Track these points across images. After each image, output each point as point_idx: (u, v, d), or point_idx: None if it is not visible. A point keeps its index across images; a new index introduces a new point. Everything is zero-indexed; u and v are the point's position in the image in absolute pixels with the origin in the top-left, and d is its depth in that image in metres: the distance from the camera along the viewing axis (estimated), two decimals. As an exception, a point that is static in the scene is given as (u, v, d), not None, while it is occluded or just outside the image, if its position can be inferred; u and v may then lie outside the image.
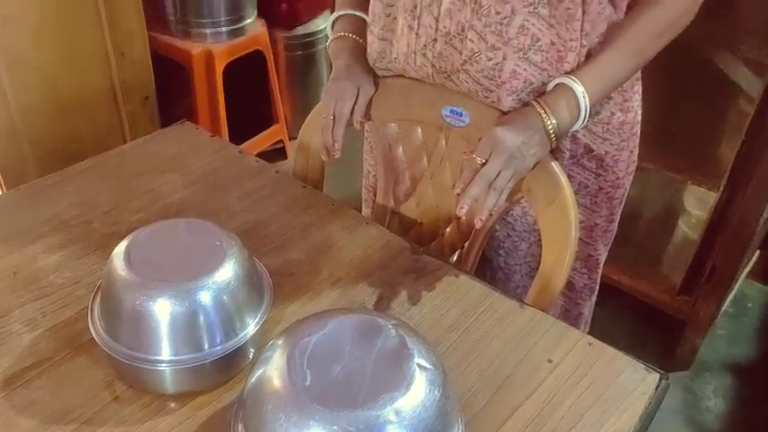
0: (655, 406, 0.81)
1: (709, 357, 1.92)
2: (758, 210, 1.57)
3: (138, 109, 2.10)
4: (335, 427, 0.59)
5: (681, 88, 1.60)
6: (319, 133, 1.01)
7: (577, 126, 0.91)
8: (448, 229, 1.10)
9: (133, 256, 0.78)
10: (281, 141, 2.61)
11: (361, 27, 1.07)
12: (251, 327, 0.80)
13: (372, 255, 1.00)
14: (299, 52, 2.58)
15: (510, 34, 0.89)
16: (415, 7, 0.93)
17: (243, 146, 2.47)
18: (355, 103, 1.01)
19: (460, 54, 0.92)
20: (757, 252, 2.03)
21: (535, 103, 0.90)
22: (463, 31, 0.91)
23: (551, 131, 0.89)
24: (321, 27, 2.56)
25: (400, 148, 1.11)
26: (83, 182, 1.11)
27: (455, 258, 1.10)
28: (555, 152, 0.96)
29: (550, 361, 0.84)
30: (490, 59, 0.91)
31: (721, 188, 1.61)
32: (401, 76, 1.03)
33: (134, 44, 2.03)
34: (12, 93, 1.85)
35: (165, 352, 0.76)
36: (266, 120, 2.57)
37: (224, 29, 2.26)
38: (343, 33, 1.07)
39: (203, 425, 0.75)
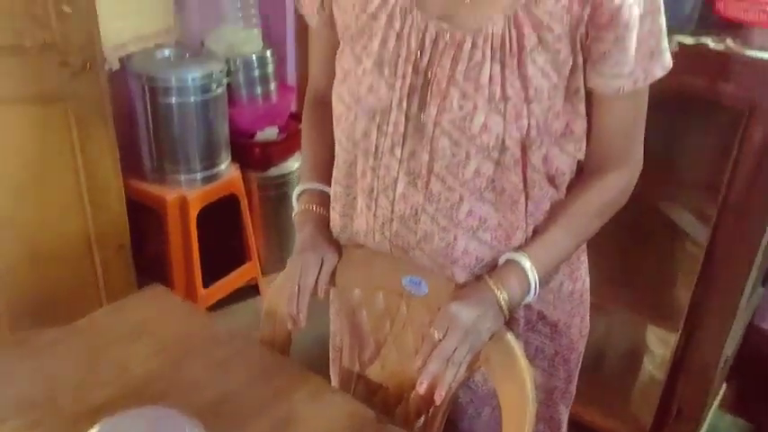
0: None
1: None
2: (717, 350, 1.62)
3: (112, 257, 2.13)
4: None
5: (635, 235, 1.69)
6: (285, 303, 1.05)
7: (529, 299, 0.97)
8: (413, 393, 1.12)
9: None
10: (254, 279, 2.65)
11: (325, 200, 1.13)
12: None
13: (336, 428, 1.01)
14: (273, 192, 2.66)
15: (459, 217, 0.96)
16: (372, 190, 1.00)
17: (216, 284, 2.53)
18: (319, 273, 1.06)
19: (415, 234, 0.99)
20: (724, 385, 2.06)
21: (488, 278, 0.96)
22: (416, 214, 0.97)
23: (504, 305, 0.94)
24: (294, 168, 2.66)
25: (364, 313, 1.15)
26: (50, 353, 1.12)
27: (421, 422, 1.11)
28: (510, 320, 1.00)
29: None
30: (442, 239, 0.97)
31: (680, 329, 1.65)
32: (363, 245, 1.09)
33: (110, 194, 2.08)
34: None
35: None
36: (239, 257, 2.61)
37: (199, 174, 2.33)
38: (307, 206, 1.12)
39: None
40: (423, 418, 1.12)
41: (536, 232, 0.99)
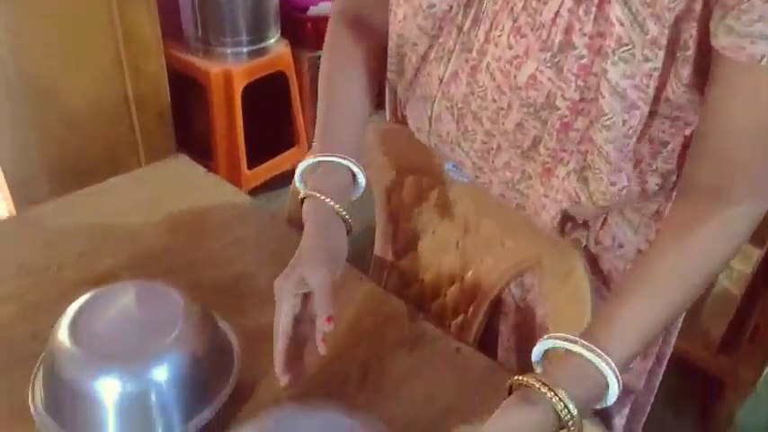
0: None
1: (749, 422, 1.75)
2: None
3: (152, 124, 2.05)
4: None
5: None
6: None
7: (607, 401, 0.62)
8: (451, 289, 0.99)
9: (79, 326, 0.69)
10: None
11: (340, 180, 0.77)
12: (213, 405, 0.71)
13: (364, 318, 0.89)
14: (324, 72, 2.49)
15: (496, 165, 0.80)
16: (415, 91, 0.83)
17: (261, 167, 2.43)
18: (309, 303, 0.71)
19: (450, 157, 0.84)
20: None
21: (533, 381, 0.59)
22: (451, 142, 0.82)
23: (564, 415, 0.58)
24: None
25: (401, 200, 1.00)
26: (58, 220, 1.03)
27: (459, 321, 0.98)
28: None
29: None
30: (477, 177, 0.82)
31: (766, 244, 1.46)
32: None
33: (150, 59, 1.98)
34: (24, 107, 1.81)
35: (112, 436, 0.67)
36: (286, 141, 2.49)
37: (245, 48, 2.19)
38: (315, 194, 0.75)
39: None
40: (461, 317, 0.99)
41: (612, 304, 0.65)
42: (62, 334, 0.68)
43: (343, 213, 0.74)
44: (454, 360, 0.84)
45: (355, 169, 0.77)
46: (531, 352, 0.88)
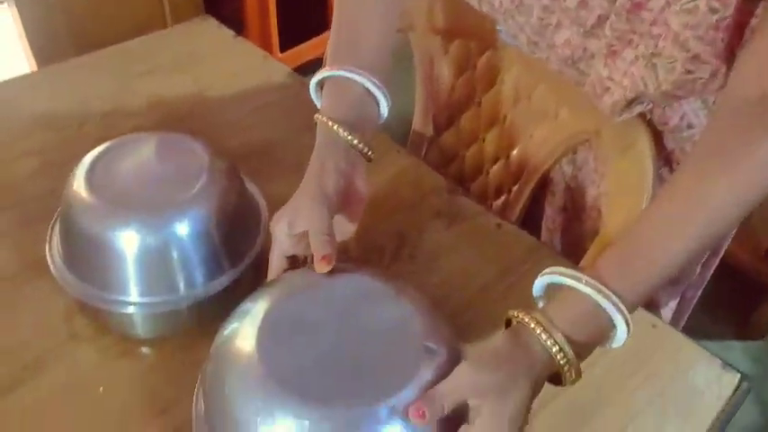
0: (729, 414, 0.64)
1: (789, 330, 1.71)
2: None
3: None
4: (307, 422, 0.45)
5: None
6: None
7: (616, 342, 0.53)
8: (494, 167, 0.92)
9: (98, 175, 0.64)
10: (335, 50, 2.43)
11: (355, 101, 0.64)
12: (239, 267, 0.67)
13: (400, 190, 0.84)
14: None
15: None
16: None
17: (293, 50, 2.32)
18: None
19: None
20: None
21: (526, 318, 0.51)
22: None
23: (557, 357, 0.50)
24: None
25: (444, 66, 0.92)
26: (81, 78, 0.97)
27: (500, 203, 0.92)
28: None
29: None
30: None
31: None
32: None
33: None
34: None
35: (133, 292, 0.63)
36: (320, 25, 2.38)
37: None
38: (323, 119, 0.63)
39: (171, 376, 0.63)
40: (503, 198, 0.93)
41: (633, 233, 0.53)
42: (78, 183, 0.63)
43: (356, 143, 0.62)
44: (494, 237, 0.79)
45: (374, 90, 0.64)
46: (577, 235, 0.82)
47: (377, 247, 0.76)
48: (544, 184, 0.88)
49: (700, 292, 0.94)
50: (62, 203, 0.65)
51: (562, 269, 0.52)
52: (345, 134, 0.62)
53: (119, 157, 0.66)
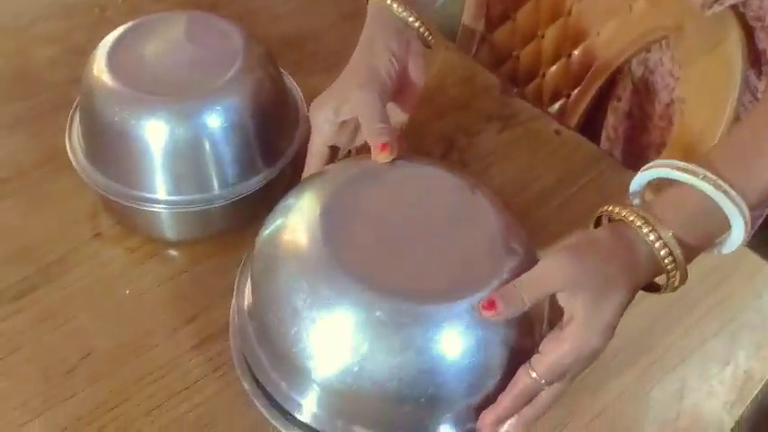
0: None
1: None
2: None
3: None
4: (378, 313, 0.40)
5: None
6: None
7: (732, 245, 0.46)
8: (552, 69, 0.84)
9: (121, 58, 0.58)
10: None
11: None
12: (277, 165, 0.61)
13: (449, 89, 0.76)
14: None
15: None
16: None
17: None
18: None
19: None
20: None
21: (628, 213, 0.43)
22: None
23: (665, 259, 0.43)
24: None
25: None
26: None
27: (556, 108, 0.84)
28: None
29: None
30: None
31: None
32: None
33: None
34: None
35: (160, 190, 0.58)
36: None
37: None
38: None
39: (200, 281, 0.59)
40: (560, 103, 0.85)
41: (752, 124, 0.48)
42: (99, 67, 0.57)
43: (413, 21, 0.54)
44: (552, 143, 0.72)
45: None
46: (642, 146, 0.74)
47: (422, 152, 0.70)
48: (608, 89, 0.79)
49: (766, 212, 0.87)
50: (81, 90, 0.59)
51: (673, 161, 0.44)
52: (402, 11, 0.54)
53: (144, 38, 0.59)
